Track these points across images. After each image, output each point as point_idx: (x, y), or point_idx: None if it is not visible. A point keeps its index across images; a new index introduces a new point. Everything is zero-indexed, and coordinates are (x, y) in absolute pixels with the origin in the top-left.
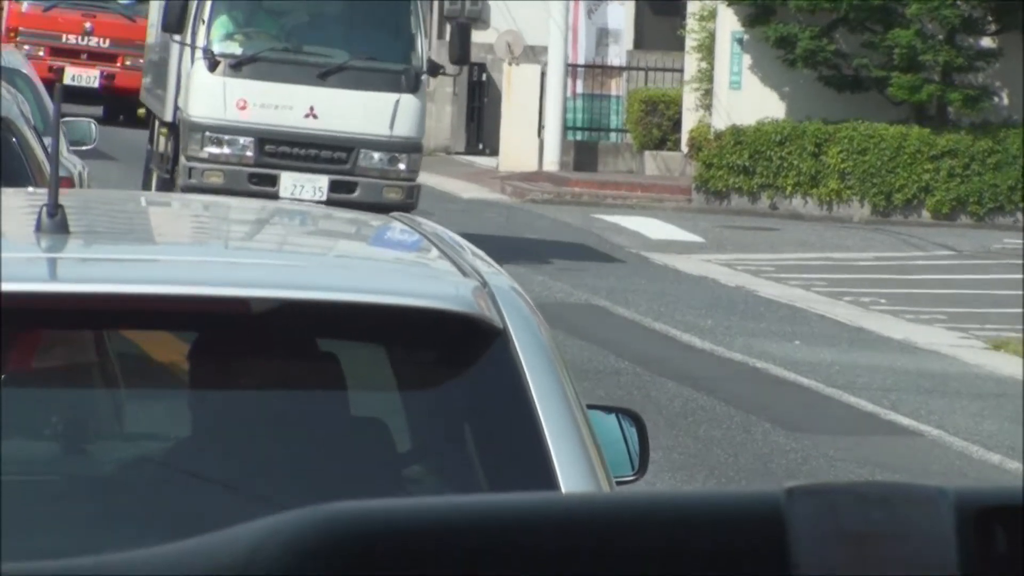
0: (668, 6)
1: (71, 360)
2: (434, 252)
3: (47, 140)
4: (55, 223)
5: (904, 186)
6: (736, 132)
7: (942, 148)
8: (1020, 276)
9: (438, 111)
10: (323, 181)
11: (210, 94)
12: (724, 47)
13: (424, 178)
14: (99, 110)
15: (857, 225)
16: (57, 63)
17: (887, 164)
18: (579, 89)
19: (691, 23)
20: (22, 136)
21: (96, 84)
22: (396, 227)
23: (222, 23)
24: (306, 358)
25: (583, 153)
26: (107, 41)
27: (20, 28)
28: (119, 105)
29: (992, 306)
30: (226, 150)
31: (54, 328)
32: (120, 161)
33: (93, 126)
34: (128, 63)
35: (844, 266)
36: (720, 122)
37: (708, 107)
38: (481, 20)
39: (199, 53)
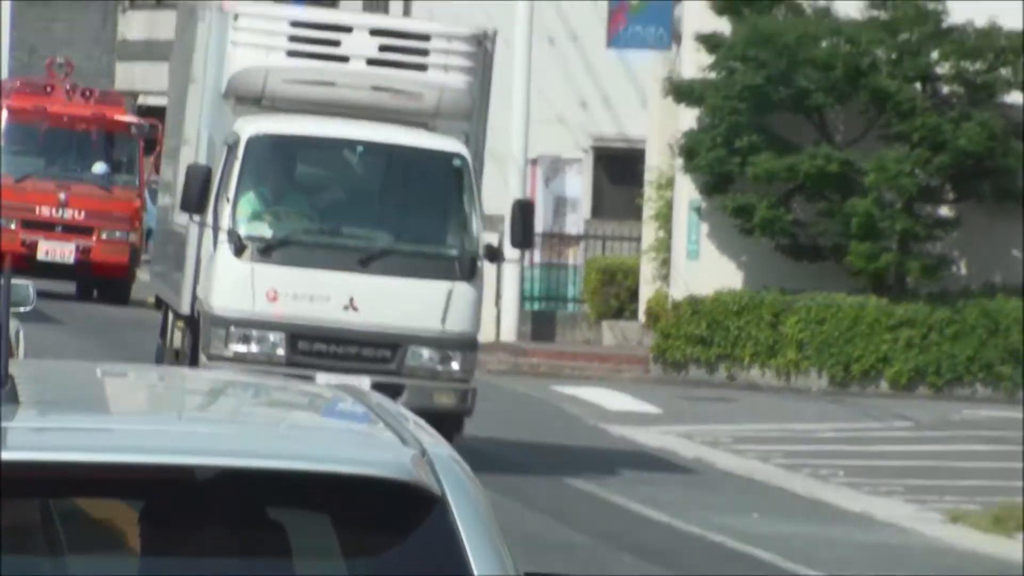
0: (626, 175)
1: (14, 523)
2: (377, 423)
3: None
4: (5, 393)
5: (862, 356)
6: (694, 302)
7: (900, 318)
8: (978, 448)
9: None
10: (365, 384)
11: (236, 283)
12: (682, 215)
13: None
14: (71, 286)
15: (815, 396)
16: (31, 237)
17: (845, 334)
18: (536, 259)
19: (649, 191)
20: None
21: (71, 259)
22: (343, 398)
23: (249, 201)
24: (251, 525)
25: (541, 323)
26: (83, 213)
27: None
28: (94, 281)
29: (951, 478)
30: (254, 348)
31: (24, 492)
32: (97, 337)
33: (31, 288)
34: (104, 236)
35: (802, 437)
36: (678, 291)
37: (666, 276)
38: None
39: (223, 235)
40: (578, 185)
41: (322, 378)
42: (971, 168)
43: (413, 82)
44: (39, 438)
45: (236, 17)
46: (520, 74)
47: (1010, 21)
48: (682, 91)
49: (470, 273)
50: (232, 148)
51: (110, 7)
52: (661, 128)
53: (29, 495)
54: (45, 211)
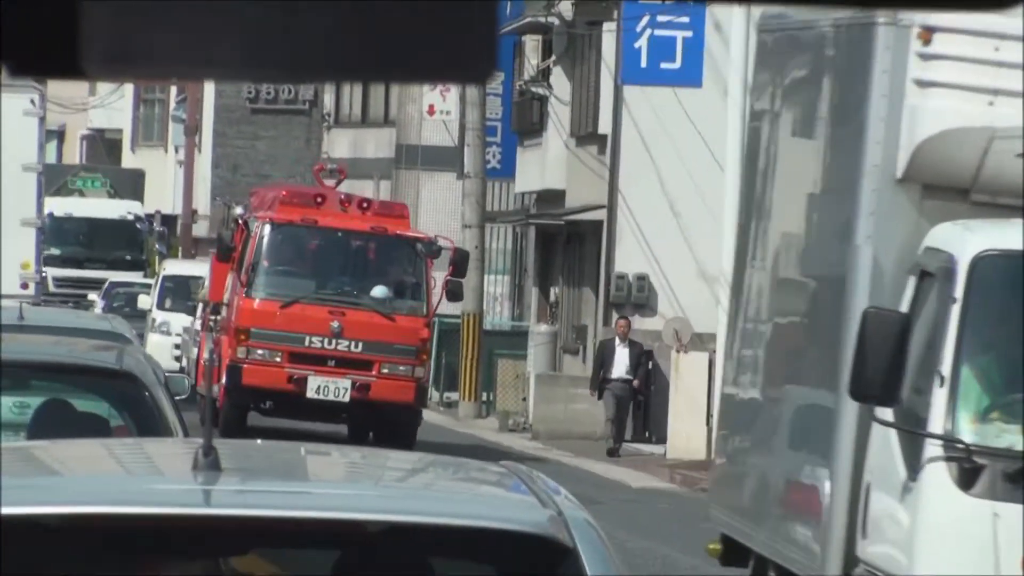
0: None
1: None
2: (523, 488)
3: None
4: (209, 462)
5: None
6: None
7: None
8: None
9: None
10: None
11: (966, 537)
12: None
13: (591, 465)
14: (343, 427)
15: None
16: (299, 371)
17: None
18: None
19: None
20: (151, 390)
21: (346, 398)
22: (495, 469)
23: (974, 377)
24: (414, 572)
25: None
26: (360, 344)
27: (252, 328)
28: (370, 420)
29: None
30: None
31: (205, 547)
32: None
33: (186, 381)
34: (386, 371)
35: None
36: None
37: None
38: (648, 307)
39: (935, 447)
40: None
41: None
42: None
43: None
44: (236, 498)
45: (926, 37)
46: (731, 193)
47: None
48: None
49: None
50: (936, 277)
51: (314, 125)
52: None
53: (227, 547)
54: (316, 342)
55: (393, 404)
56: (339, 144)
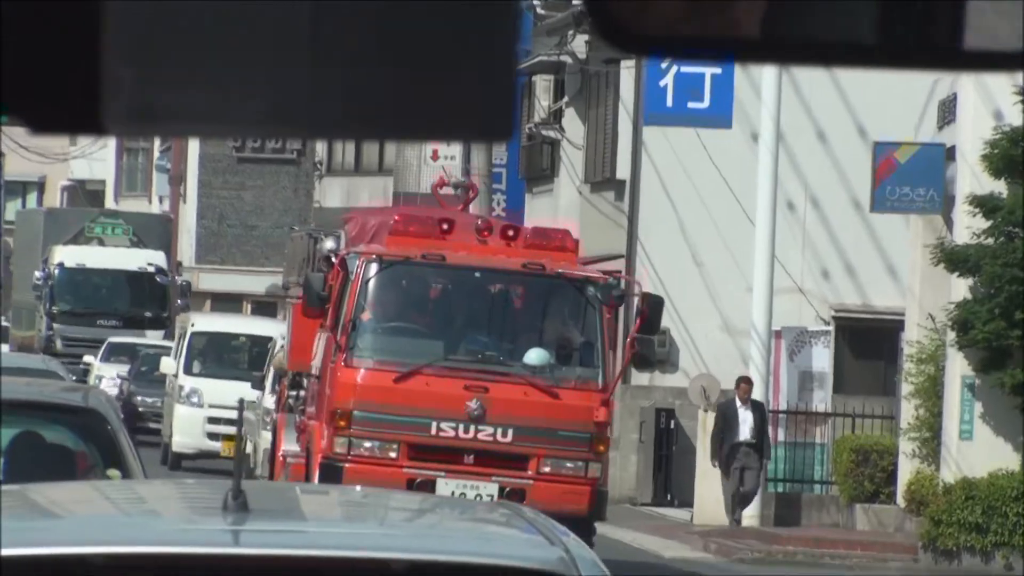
0: (871, 348)
1: None
2: (531, 528)
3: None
4: (238, 504)
5: None
6: (967, 486)
7: None
8: None
9: (623, 459)
10: None
11: None
12: (954, 393)
13: (613, 531)
14: None
15: None
16: (423, 471)
17: None
18: (780, 437)
19: (908, 366)
20: (112, 425)
21: None
22: (503, 511)
23: None
24: None
25: (784, 506)
26: (510, 431)
27: (356, 410)
28: None
29: None
30: None
31: None
32: None
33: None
34: (547, 469)
35: None
36: (949, 475)
37: (926, 457)
38: (670, 363)
39: None
40: (825, 359)
41: None
42: None
43: None
44: (266, 538)
45: None
46: (763, 243)
47: None
48: (956, 258)
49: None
50: None
51: (302, 174)
52: (920, 298)
53: None
54: (448, 428)
55: (559, 516)
56: (332, 193)
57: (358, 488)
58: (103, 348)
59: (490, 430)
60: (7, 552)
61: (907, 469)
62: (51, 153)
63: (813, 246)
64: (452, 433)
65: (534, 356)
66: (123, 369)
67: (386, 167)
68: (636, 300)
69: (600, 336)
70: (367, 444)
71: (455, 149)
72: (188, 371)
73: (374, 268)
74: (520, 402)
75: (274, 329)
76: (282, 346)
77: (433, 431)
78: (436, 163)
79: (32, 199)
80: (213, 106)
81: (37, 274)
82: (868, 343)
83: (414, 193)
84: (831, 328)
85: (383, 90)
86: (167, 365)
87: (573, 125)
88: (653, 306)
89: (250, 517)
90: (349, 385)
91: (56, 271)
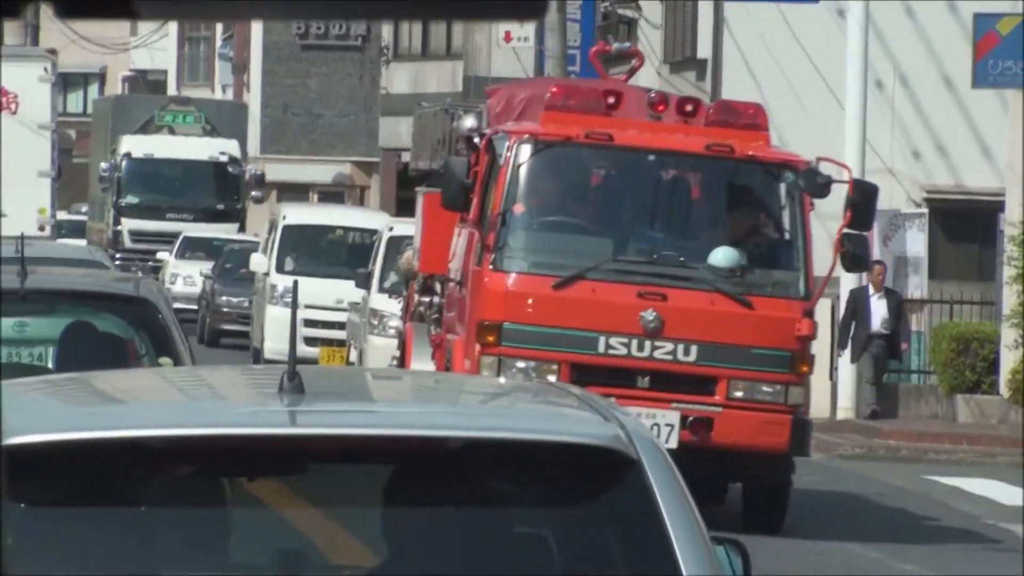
0: (965, 231)
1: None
2: (584, 406)
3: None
4: (294, 386)
5: None
6: None
7: None
8: None
9: None
10: None
11: None
12: None
13: None
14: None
15: None
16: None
17: None
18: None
19: (1010, 249)
20: (163, 314)
21: (671, 441)
22: (552, 389)
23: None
24: (487, 483)
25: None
26: (692, 350)
27: (505, 323)
28: (719, 475)
29: None
30: None
31: (290, 465)
32: None
33: None
34: (739, 394)
35: None
36: None
37: None
38: None
39: None
40: (920, 243)
41: None
42: None
43: None
44: (322, 418)
45: None
46: (853, 123)
47: None
48: None
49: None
50: None
51: (367, 61)
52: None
53: (313, 462)
54: (618, 345)
55: (752, 450)
56: (399, 79)
57: (423, 370)
58: (178, 243)
59: (669, 347)
60: (71, 436)
61: (1010, 358)
62: (111, 43)
63: (903, 125)
64: (623, 351)
65: (722, 256)
66: (202, 267)
67: (454, 51)
68: (846, 190)
69: (802, 232)
70: (520, 364)
71: (528, 30)
72: (280, 269)
73: (527, 150)
74: (705, 313)
75: (377, 221)
76: (408, 243)
77: (601, 348)
78: (508, 45)
79: (94, 90)
80: None
81: (103, 165)
82: (962, 226)
83: (485, 77)
84: (925, 211)
85: None
86: (257, 262)
87: (650, 3)
88: (866, 195)
89: (305, 399)
90: (498, 293)
91: (123, 162)
